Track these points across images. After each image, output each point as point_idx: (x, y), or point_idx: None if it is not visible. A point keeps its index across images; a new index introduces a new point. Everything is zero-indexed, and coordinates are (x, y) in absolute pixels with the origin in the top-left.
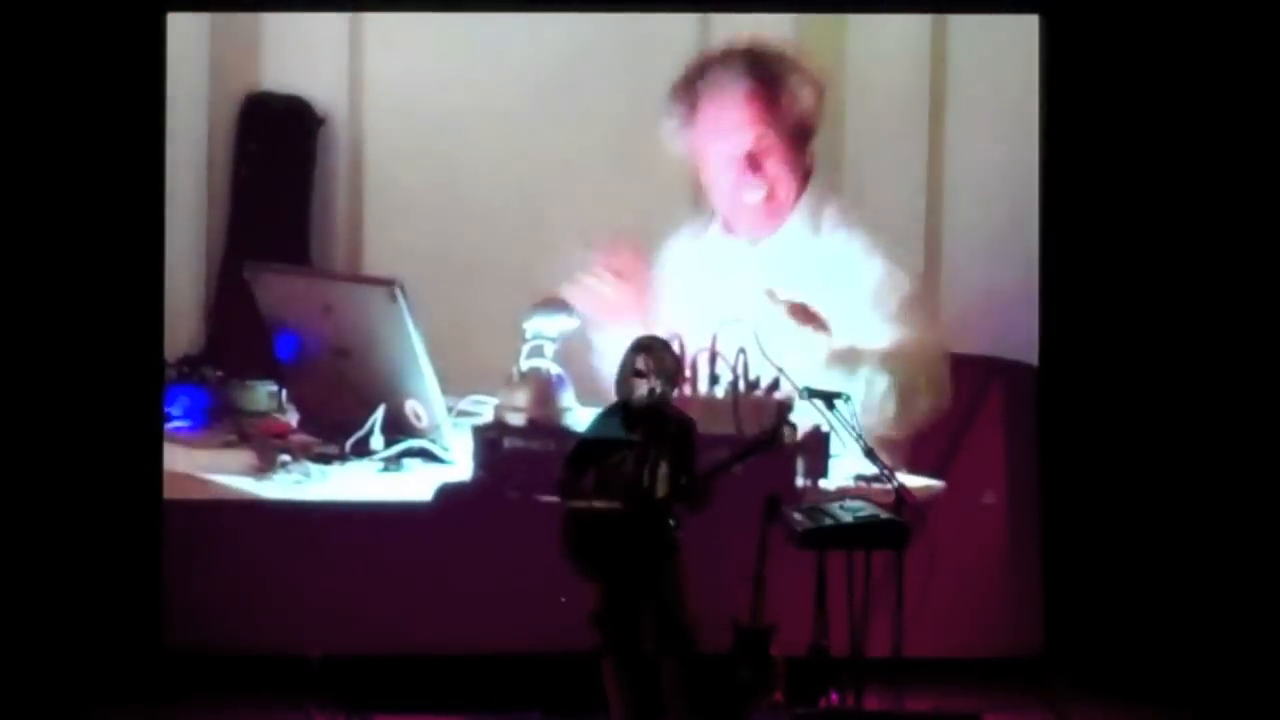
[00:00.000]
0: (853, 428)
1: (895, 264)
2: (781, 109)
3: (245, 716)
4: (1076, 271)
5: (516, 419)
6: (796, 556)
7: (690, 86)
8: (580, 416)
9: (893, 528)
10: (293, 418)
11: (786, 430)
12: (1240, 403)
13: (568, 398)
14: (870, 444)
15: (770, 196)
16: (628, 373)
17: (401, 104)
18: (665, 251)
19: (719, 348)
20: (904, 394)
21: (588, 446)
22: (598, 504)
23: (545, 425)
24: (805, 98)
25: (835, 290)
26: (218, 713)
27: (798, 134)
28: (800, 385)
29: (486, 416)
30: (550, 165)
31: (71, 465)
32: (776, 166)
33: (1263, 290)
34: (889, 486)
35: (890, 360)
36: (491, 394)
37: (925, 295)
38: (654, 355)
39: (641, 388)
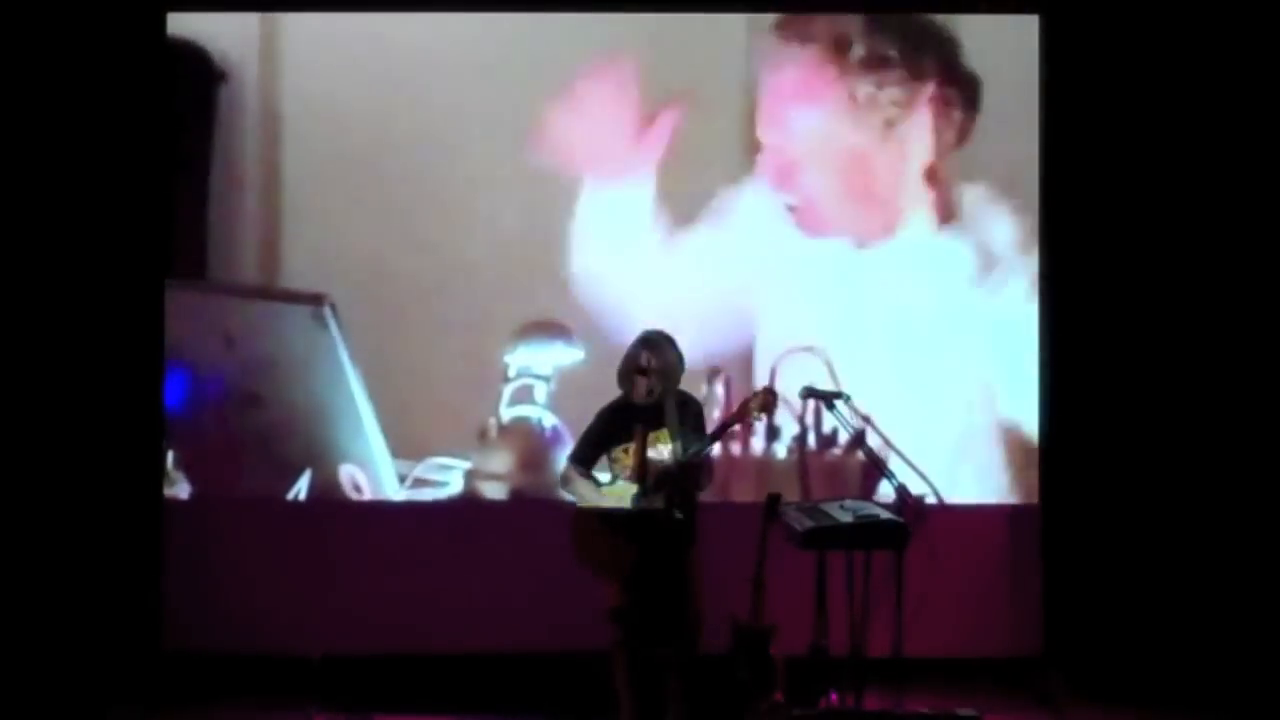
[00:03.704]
0: (853, 427)
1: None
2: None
3: (245, 717)
4: (1077, 271)
5: (495, 490)
6: (796, 556)
7: None
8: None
9: (893, 528)
10: (181, 490)
11: (754, 401)
12: (1238, 410)
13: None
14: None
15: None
16: (631, 368)
17: (323, 63)
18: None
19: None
20: None
21: (592, 443)
22: (604, 504)
23: (535, 498)
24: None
25: None
26: (218, 713)
27: None
28: (802, 385)
29: (454, 487)
30: (522, 152)
31: (72, 467)
32: None
33: (1262, 289)
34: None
35: None
36: (461, 455)
37: None
38: (657, 352)
39: (641, 385)
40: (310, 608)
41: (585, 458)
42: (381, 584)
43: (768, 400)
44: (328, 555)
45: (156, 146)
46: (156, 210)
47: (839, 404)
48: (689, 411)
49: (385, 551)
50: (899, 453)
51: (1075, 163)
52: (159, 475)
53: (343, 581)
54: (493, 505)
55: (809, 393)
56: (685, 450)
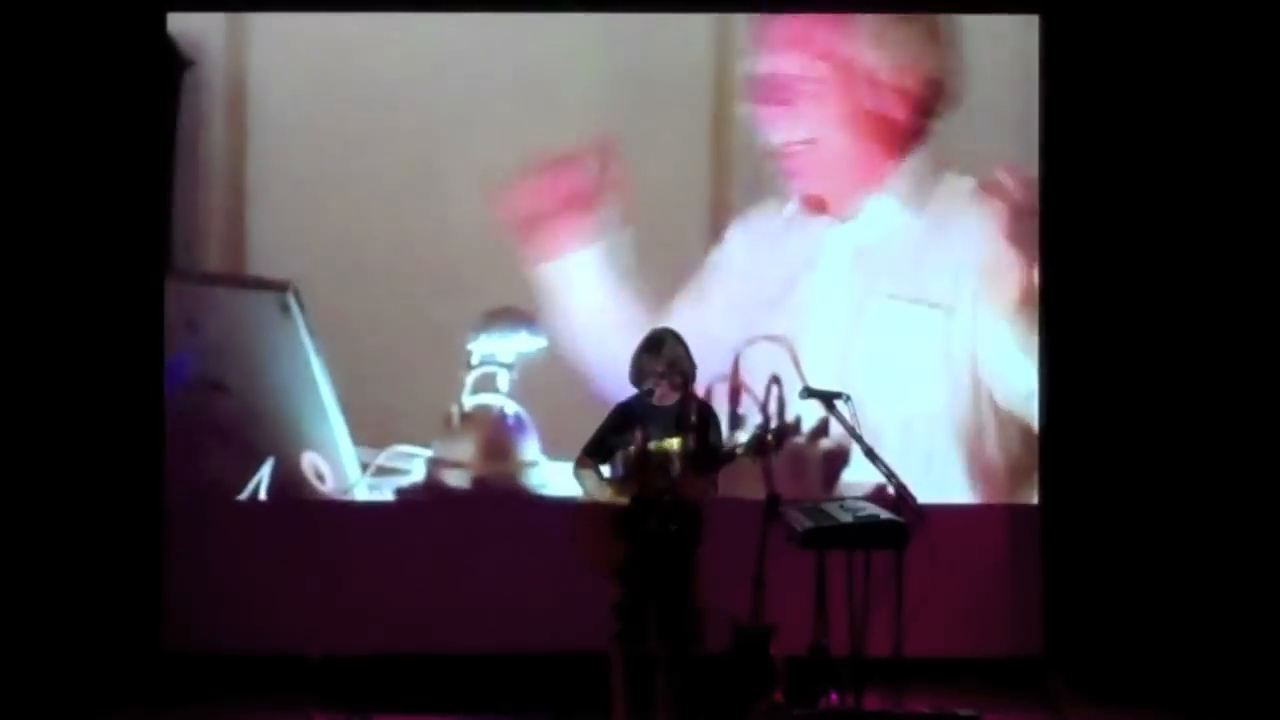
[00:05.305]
0: (853, 428)
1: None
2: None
3: (245, 717)
4: (1077, 271)
5: (457, 478)
6: (796, 556)
7: None
8: (546, 474)
9: (893, 528)
10: None
11: (771, 439)
12: (1237, 411)
13: (530, 447)
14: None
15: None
16: (638, 372)
17: (293, 57)
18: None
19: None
20: None
21: (604, 438)
22: (605, 500)
23: (498, 485)
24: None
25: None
26: (218, 713)
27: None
28: (801, 386)
29: (416, 475)
30: (483, 145)
31: (71, 466)
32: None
33: (1262, 289)
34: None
35: None
36: (424, 444)
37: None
38: (661, 354)
39: (647, 387)
40: (310, 607)
41: (596, 452)
42: (382, 584)
43: (783, 435)
44: (328, 555)
45: (143, 139)
46: (147, 201)
47: (839, 403)
48: (708, 425)
49: (386, 551)
50: (872, 451)
51: (1075, 163)
52: (159, 474)
53: (343, 581)
54: (497, 502)
55: (809, 393)
56: (699, 464)
